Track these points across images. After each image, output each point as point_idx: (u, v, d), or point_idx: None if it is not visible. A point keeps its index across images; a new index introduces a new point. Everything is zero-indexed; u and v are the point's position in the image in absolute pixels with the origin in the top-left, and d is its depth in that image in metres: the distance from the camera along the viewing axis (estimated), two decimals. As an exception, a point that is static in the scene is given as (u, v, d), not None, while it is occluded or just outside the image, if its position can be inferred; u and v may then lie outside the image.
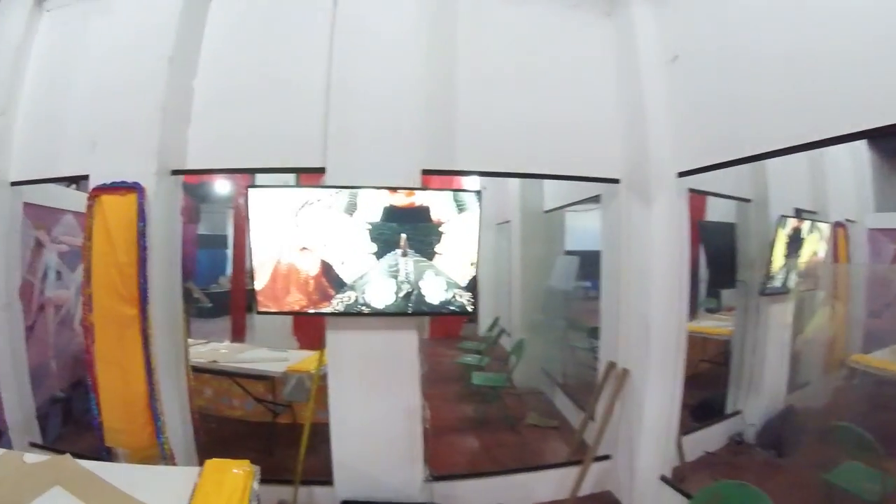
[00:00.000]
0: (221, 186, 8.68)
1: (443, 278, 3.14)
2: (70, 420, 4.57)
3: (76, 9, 3.86)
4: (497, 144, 3.49)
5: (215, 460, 2.40)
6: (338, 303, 3.11)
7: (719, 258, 5.34)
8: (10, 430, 3.77)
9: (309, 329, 5.89)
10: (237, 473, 2.31)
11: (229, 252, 11.65)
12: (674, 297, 3.46)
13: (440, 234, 3.11)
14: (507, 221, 7.26)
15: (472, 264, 3.16)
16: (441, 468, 3.50)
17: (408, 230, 3.08)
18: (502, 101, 3.52)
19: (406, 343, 3.22)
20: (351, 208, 3.04)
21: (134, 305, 3.02)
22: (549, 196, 6.44)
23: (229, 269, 10.54)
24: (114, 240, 3.03)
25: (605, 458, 3.74)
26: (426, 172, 3.24)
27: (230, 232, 9.62)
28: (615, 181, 3.71)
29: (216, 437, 4.24)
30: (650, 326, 3.42)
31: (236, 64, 3.42)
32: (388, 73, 3.16)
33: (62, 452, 3.70)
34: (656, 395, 3.44)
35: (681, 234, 3.52)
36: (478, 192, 3.11)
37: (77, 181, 4.03)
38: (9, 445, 3.67)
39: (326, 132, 3.16)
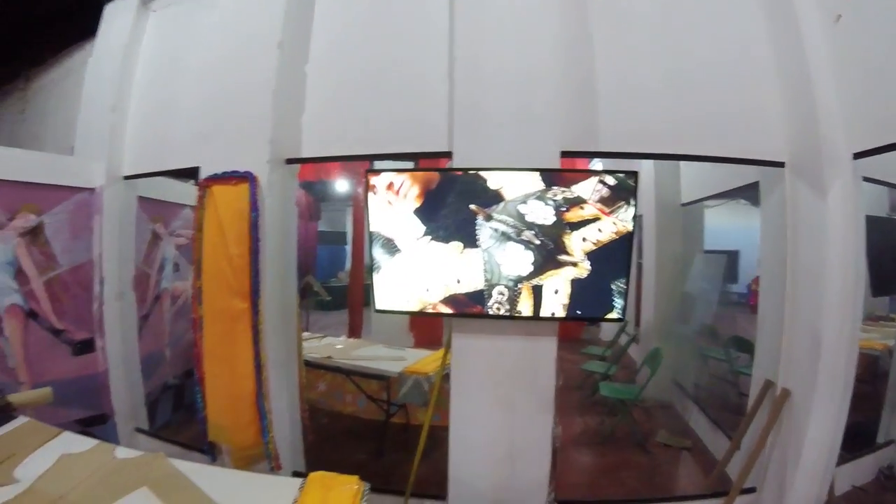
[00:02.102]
0: (340, 184, 8.85)
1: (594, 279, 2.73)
2: (180, 407, 4.66)
3: (182, 6, 3.93)
4: (641, 122, 3.04)
5: (320, 473, 2.18)
6: (468, 303, 2.80)
7: (884, 259, 4.60)
8: (117, 415, 3.85)
9: (425, 327, 5.78)
10: (344, 491, 2.08)
11: (348, 248, 12.24)
12: (848, 306, 2.87)
13: (594, 227, 2.68)
14: (639, 216, 6.54)
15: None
16: (561, 488, 3.16)
17: (557, 226, 2.68)
18: (644, 72, 3.06)
19: (544, 351, 2.88)
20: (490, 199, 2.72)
21: (245, 299, 2.90)
22: (686, 187, 5.84)
23: (348, 264, 10.92)
24: (225, 231, 2.92)
25: (750, 490, 3.23)
26: (565, 154, 2.86)
27: (349, 228, 10.02)
28: (779, 164, 3.13)
29: (327, 434, 4.20)
30: (821, 340, 2.85)
31: (350, 46, 3.27)
32: (516, 45, 2.83)
33: (166, 440, 3.84)
34: (820, 420, 2.91)
35: (858, 229, 2.94)
36: (634, 174, 2.68)
37: (193, 174, 4.12)
38: (113, 430, 3.77)
39: (451, 114, 2.90)
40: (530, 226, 2.67)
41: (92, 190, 3.78)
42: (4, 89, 6.69)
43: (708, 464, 4.04)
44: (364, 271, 7.21)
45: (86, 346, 3.76)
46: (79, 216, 3.72)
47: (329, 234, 13.28)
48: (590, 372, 5.66)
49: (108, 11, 4.13)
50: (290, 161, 3.18)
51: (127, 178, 3.93)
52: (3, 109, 6.75)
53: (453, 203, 2.72)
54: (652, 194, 6.00)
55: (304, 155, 3.21)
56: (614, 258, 2.67)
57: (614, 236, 2.64)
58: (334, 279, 12.52)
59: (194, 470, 2.25)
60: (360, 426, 4.53)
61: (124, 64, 3.96)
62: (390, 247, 2.86)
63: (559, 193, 2.64)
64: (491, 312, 2.78)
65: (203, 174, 3.09)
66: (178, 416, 4.58)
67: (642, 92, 3.04)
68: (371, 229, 2.89)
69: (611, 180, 2.64)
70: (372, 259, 2.92)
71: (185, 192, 4.71)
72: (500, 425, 2.90)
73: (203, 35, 3.60)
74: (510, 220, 2.69)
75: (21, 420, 2.76)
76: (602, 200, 2.63)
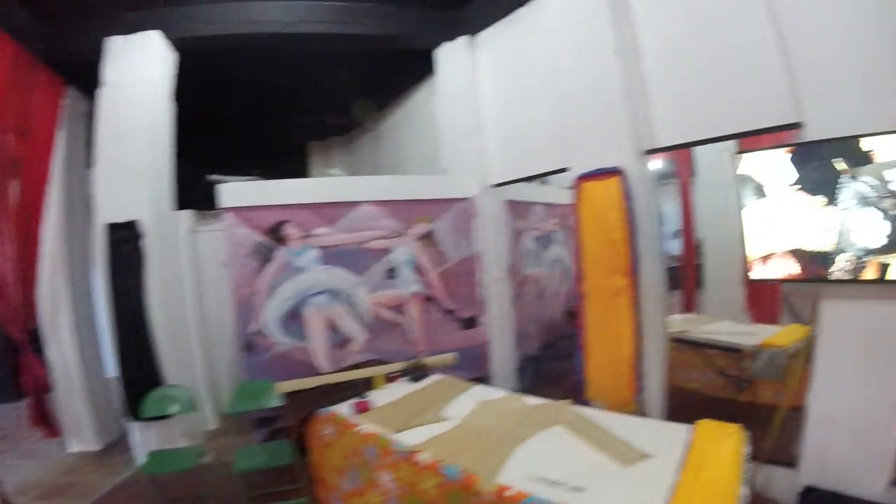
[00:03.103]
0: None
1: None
2: (539, 375, 5.45)
3: (505, 36, 4.63)
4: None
5: (707, 421, 2.50)
6: (843, 268, 2.65)
7: None
8: (494, 378, 4.73)
9: (764, 302, 5.58)
10: (730, 436, 2.36)
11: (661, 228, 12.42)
12: None
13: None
14: None
15: None
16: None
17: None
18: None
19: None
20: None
21: (625, 276, 3.37)
22: None
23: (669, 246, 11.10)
24: (604, 220, 3.43)
25: None
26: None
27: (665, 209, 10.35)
28: None
29: (676, 405, 4.37)
30: None
31: (675, 39, 3.42)
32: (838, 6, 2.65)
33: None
34: None
35: None
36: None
37: (545, 177, 4.86)
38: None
39: (793, 86, 2.81)
40: (893, 194, 2.43)
41: (469, 199, 4.77)
42: (357, 132, 8.59)
43: None
44: (694, 252, 6.97)
45: (470, 322, 4.78)
46: (461, 220, 4.74)
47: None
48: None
49: (441, 55, 5.07)
50: (648, 152, 3.52)
51: (495, 186, 4.83)
52: (360, 149, 8.67)
53: (822, 157, 2.63)
54: None
55: (658, 145, 3.51)
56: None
57: None
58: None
59: (594, 414, 2.74)
60: (706, 402, 4.52)
61: (471, 95, 4.87)
62: (759, 193, 2.93)
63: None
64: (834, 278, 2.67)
65: (574, 173, 3.64)
66: (538, 383, 5.30)
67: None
68: (740, 173, 3.00)
69: None
70: (741, 206, 3.02)
71: (534, 193, 5.58)
72: (859, 395, 2.78)
73: (536, 56, 4.20)
74: (874, 182, 2.48)
75: (437, 376, 3.67)
76: None
